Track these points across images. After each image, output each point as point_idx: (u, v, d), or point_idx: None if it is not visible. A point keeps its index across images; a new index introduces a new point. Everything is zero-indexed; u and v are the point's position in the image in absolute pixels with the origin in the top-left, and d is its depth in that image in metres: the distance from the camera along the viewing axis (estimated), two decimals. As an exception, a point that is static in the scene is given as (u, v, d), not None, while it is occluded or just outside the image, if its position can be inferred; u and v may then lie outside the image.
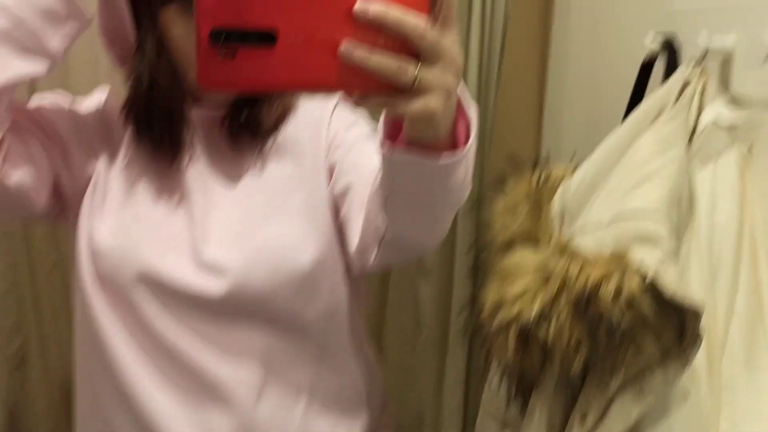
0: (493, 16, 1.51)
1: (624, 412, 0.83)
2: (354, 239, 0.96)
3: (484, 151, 1.57)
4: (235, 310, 0.97)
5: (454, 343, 1.65)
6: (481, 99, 1.54)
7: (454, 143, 0.70)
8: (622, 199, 0.90)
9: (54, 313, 1.53)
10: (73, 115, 1.00)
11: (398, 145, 0.69)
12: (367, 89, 0.58)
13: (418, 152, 0.68)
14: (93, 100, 1.05)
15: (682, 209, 0.88)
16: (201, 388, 0.97)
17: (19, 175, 0.90)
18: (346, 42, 0.55)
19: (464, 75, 1.53)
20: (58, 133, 0.97)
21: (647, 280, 0.77)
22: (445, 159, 0.68)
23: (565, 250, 0.87)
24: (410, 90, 0.59)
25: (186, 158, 0.99)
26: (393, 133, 0.71)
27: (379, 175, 0.78)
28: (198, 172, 1.00)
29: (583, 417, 0.88)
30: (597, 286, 0.79)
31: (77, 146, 0.99)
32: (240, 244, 0.97)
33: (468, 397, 1.70)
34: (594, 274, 0.80)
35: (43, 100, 1.00)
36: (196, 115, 1.00)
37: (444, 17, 0.59)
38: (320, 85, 0.57)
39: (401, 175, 0.72)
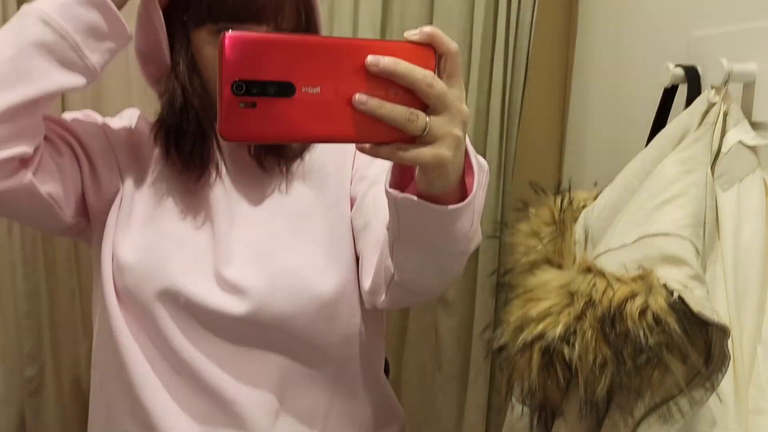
0: (516, 47, 1.52)
1: (650, 436, 0.81)
2: (367, 279, 0.97)
3: (506, 177, 1.57)
4: (255, 331, 0.97)
5: (475, 378, 1.63)
6: (504, 127, 1.55)
7: (462, 195, 0.71)
8: (646, 220, 0.89)
9: (71, 340, 1.54)
10: (101, 132, 1.02)
11: (406, 193, 0.71)
12: (380, 138, 0.60)
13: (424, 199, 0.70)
14: (123, 119, 1.08)
15: (707, 231, 0.88)
16: (217, 409, 0.97)
17: (51, 184, 0.92)
18: (359, 93, 0.58)
19: (488, 103, 1.54)
20: (87, 148, 0.99)
21: (673, 298, 0.76)
22: (451, 206, 0.70)
23: (590, 269, 0.86)
24: (421, 138, 0.61)
25: (213, 176, 1.01)
26: (400, 183, 0.73)
27: (388, 219, 0.79)
28: (223, 191, 1.01)
29: (608, 444, 0.87)
30: (623, 304, 0.79)
31: (104, 162, 1.01)
32: (261, 265, 0.97)
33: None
34: (620, 292, 0.80)
35: (73, 115, 1.03)
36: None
37: (449, 72, 0.62)
38: (336, 135, 0.59)
39: (407, 220, 0.74)
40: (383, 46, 0.59)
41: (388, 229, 0.80)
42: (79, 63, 0.86)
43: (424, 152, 0.61)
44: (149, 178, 1.02)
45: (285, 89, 0.56)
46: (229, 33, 0.55)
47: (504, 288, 1.01)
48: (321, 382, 1.02)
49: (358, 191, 1.04)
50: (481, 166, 0.73)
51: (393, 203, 0.72)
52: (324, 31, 1.04)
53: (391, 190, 0.71)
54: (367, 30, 1.49)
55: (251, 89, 0.55)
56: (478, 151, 1.56)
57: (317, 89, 0.57)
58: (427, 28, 0.61)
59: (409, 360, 1.70)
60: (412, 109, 0.59)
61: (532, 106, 1.68)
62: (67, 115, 1.02)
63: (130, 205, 1.00)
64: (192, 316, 0.96)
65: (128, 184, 1.01)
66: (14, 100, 0.82)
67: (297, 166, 1.05)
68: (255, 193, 1.03)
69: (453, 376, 1.66)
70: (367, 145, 0.62)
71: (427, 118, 0.60)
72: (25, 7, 0.85)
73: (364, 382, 1.07)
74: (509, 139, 1.57)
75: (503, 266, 1.13)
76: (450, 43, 0.62)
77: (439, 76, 0.62)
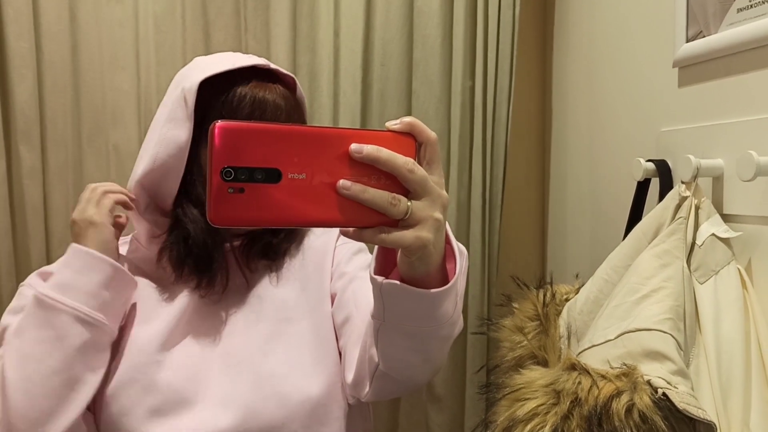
0: (493, 142, 1.57)
1: None
2: (350, 372, 0.97)
3: (490, 270, 1.59)
4: None
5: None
6: (486, 220, 1.57)
7: (444, 280, 0.73)
8: (627, 315, 0.91)
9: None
10: None
11: (390, 279, 0.72)
12: (364, 222, 0.62)
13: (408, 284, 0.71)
14: None
15: (688, 324, 0.89)
16: None
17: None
18: (343, 179, 0.61)
19: (468, 197, 1.57)
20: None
21: (658, 395, 0.77)
22: (434, 290, 0.70)
23: (574, 366, 0.86)
24: (404, 222, 0.63)
25: (224, 284, 1.03)
26: (384, 270, 0.75)
27: (372, 307, 0.80)
28: (205, 302, 1.02)
29: None
30: (608, 402, 0.79)
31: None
32: (247, 374, 0.97)
33: None
34: (605, 390, 0.80)
35: None
36: (230, 246, 1.05)
37: (429, 159, 0.65)
38: (322, 219, 0.61)
39: (392, 306, 0.75)
40: (366, 135, 0.62)
41: (372, 316, 0.80)
42: (108, 337, 0.95)
43: (406, 235, 0.63)
44: (133, 307, 1.03)
45: (272, 175, 0.58)
46: (219, 123, 0.57)
47: (491, 387, 1.01)
48: None
49: (338, 288, 1.05)
50: (461, 251, 0.75)
51: (378, 289, 0.73)
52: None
53: (375, 277, 0.72)
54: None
55: (239, 175, 0.57)
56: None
57: (303, 175, 0.59)
58: (407, 118, 0.65)
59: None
60: (394, 194, 0.62)
61: (512, 199, 1.72)
62: None
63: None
64: None
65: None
66: (75, 413, 0.89)
67: (281, 269, 1.07)
68: (237, 300, 1.04)
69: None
70: (351, 229, 0.64)
71: (409, 203, 0.63)
72: (45, 300, 0.90)
73: None
74: (492, 232, 1.59)
75: (491, 362, 1.13)
76: (429, 132, 0.65)
77: (420, 163, 0.64)
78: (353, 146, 0.61)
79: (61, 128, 1.41)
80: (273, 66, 1.04)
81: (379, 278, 0.72)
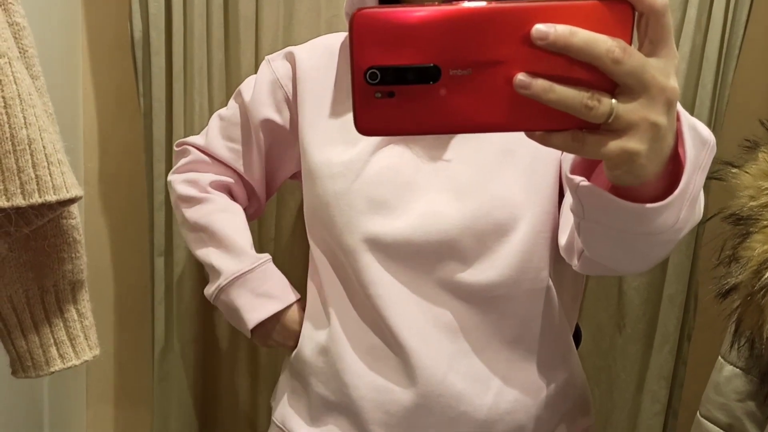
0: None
1: None
2: (563, 235, 0.87)
3: (716, 128, 1.42)
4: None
5: (661, 342, 1.50)
6: (720, 70, 1.39)
7: (671, 179, 0.56)
8: None
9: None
10: (259, 128, 1.10)
11: (592, 182, 0.57)
12: (549, 127, 0.49)
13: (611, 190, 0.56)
14: (266, 77, 1.10)
15: None
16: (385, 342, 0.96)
17: None
18: (521, 74, 0.47)
19: (703, 42, 1.39)
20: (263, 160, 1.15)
21: None
22: (648, 204, 0.55)
23: None
24: (606, 125, 0.49)
25: None
26: (586, 166, 0.60)
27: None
28: None
29: None
30: None
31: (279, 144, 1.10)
32: (464, 200, 0.93)
33: (670, 405, 1.55)
34: None
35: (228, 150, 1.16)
36: None
37: (653, 37, 0.48)
38: (493, 125, 0.49)
39: (591, 208, 0.60)
40: (556, 8, 0.47)
41: (571, 210, 0.66)
42: None
43: (608, 145, 0.49)
44: (335, 112, 1.01)
45: (428, 73, 0.47)
46: (358, 11, 0.47)
47: (741, 221, 0.88)
48: (498, 341, 0.95)
49: None
50: (704, 139, 0.58)
51: (573, 190, 0.60)
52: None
53: (571, 176, 0.58)
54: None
55: (387, 76, 0.47)
56: (686, 99, 1.42)
57: (468, 71, 0.47)
58: None
59: (585, 321, 1.59)
60: (591, 93, 0.47)
61: (752, 48, 1.50)
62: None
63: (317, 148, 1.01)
64: (391, 254, 0.95)
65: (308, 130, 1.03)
66: None
67: None
68: None
69: (635, 340, 1.53)
70: (538, 132, 0.51)
71: (613, 101, 0.48)
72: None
73: (548, 347, 0.98)
74: (724, 84, 1.41)
75: (725, 210, 1.00)
76: None
77: (640, 42, 0.49)
78: (536, 29, 0.46)
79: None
80: None
81: (576, 178, 0.58)
